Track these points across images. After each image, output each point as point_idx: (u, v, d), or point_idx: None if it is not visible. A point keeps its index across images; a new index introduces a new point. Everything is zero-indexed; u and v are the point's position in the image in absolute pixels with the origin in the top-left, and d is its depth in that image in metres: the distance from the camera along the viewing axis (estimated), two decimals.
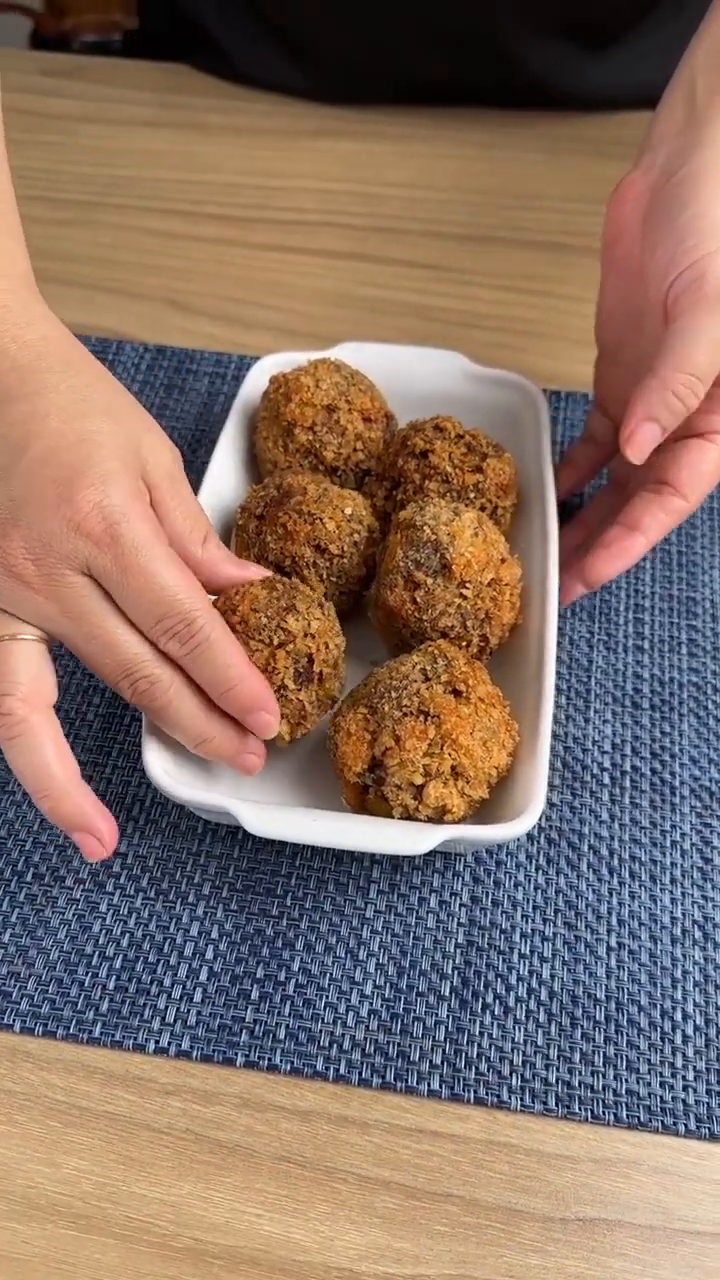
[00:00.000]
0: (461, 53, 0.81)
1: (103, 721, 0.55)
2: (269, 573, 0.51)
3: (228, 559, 0.49)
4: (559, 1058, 0.46)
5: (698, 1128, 0.44)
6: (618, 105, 0.84)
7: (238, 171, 0.84)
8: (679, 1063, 0.46)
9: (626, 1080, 0.45)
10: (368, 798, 0.49)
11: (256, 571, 0.50)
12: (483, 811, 0.49)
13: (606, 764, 0.54)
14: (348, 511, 0.55)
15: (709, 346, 0.48)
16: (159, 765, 0.48)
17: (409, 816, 0.48)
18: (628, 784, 0.54)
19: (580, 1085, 0.45)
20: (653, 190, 0.53)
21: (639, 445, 0.50)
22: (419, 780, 0.47)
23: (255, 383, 0.63)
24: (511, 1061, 0.46)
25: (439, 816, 0.47)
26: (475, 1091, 0.45)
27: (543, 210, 0.81)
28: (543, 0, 0.76)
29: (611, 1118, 0.45)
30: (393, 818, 0.48)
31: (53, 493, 0.43)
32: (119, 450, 0.44)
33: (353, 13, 0.80)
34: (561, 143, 0.85)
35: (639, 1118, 0.45)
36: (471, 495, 0.57)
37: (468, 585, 0.51)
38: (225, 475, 0.59)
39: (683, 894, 0.50)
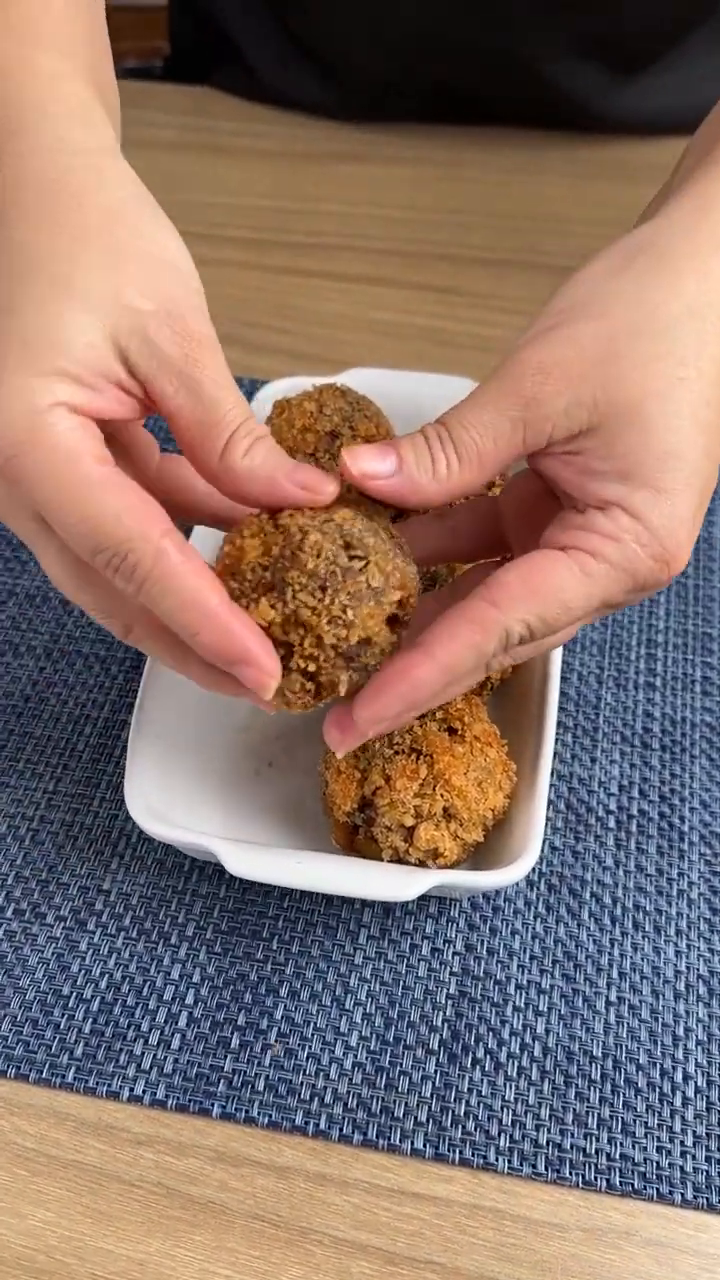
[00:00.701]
0: (491, 72, 0.80)
1: (92, 752, 0.54)
2: (323, 488, 0.38)
3: (254, 473, 0.37)
4: (550, 1118, 0.44)
5: (695, 1197, 0.42)
6: (647, 130, 0.83)
7: (259, 194, 0.83)
8: (677, 1126, 0.43)
9: (621, 1144, 0.43)
10: (357, 838, 0.47)
11: (298, 489, 0.38)
12: (478, 855, 0.47)
13: (613, 806, 0.52)
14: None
15: (474, 410, 0.38)
16: (140, 802, 0.46)
17: (399, 859, 0.46)
18: (634, 828, 0.51)
19: (572, 1148, 0.43)
20: None
21: (355, 454, 0.38)
22: (409, 822, 0.45)
23: (261, 408, 0.61)
24: (500, 1120, 0.44)
25: (430, 859, 0.46)
26: (461, 1151, 0.43)
27: (565, 235, 0.80)
28: (573, 22, 0.75)
29: (604, 1184, 0.42)
30: (382, 859, 0.46)
31: None
32: (49, 351, 0.35)
33: (382, 32, 0.79)
34: (586, 166, 0.84)
35: (633, 1185, 0.42)
36: None
37: None
38: None
39: (688, 946, 0.48)
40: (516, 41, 0.77)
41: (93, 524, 0.35)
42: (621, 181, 0.83)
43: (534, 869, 0.49)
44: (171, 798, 0.48)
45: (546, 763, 0.47)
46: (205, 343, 0.37)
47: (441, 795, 0.45)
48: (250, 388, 0.69)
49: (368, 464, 0.38)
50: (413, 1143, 0.43)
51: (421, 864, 0.46)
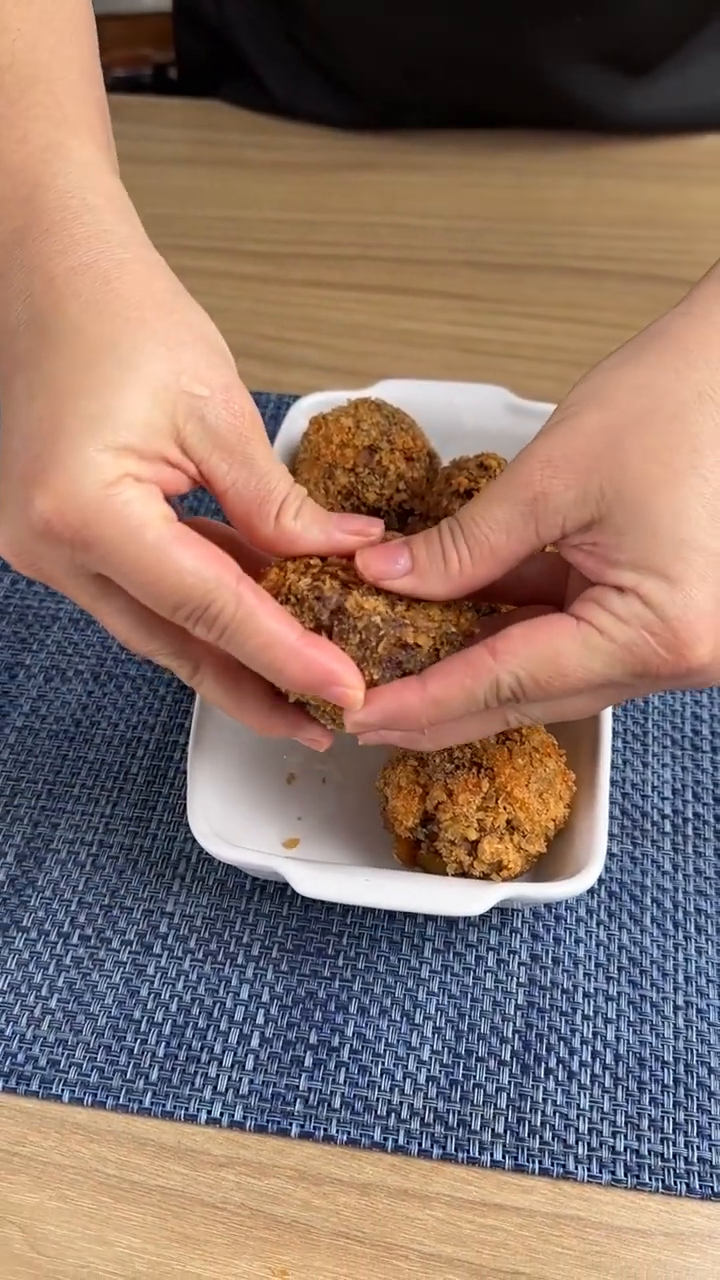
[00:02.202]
0: (502, 82, 0.80)
1: (146, 775, 0.54)
2: (371, 530, 0.42)
3: (304, 534, 0.40)
4: (626, 1124, 0.44)
5: None
6: (658, 130, 0.83)
7: (274, 206, 0.83)
8: None
9: (698, 1147, 0.43)
10: (420, 853, 0.48)
11: (350, 537, 0.41)
12: (540, 866, 0.47)
13: (667, 810, 0.52)
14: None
15: (485, 506, 0.40)
16: (204, 824, 0.46)
17: (463, 873, 0.46)
18: (690, 831, 0.52)
19: (649, 1153, 0.43)
20: None
21: (365, 555, 0.41)
22: (473, 835, 0.45)
23: (294, 423, 0.62)
24: (577, 1129, 0.44)
25: (494, 872, 0.46)
26: (540, 1161, 0.43)
27: (580, 236, 0.80)
28: (582, 28, 0.75)
29: (684, 1188, 0.43)
30: (446, 874, 0.46)
31: (21, 494, 0.37)
32: (116, 428, 0.37)
33: (394, 46, 0.80)
34: (597, 166, 0.84)
35: (713, 1188, 0.43)
36: None
37: None
38: None
39: None
40: (527, 51, 0.77)
41: (173, 582, 0.37)
42: (633, 180, 0.83)
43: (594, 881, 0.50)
44: (231, 819, 0.49)
45: (605, 771, 0.47)
46: (255, 422, 0.39)
47: (504, 808, 0.45)
48: (279, 403, 0.70)
49: (379, 567, 0.40)
50: (492, 1154, 0.43)
51: (486, 877, 0.46)
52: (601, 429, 0.38)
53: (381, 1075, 0.45)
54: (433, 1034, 0.46)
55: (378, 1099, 0.45)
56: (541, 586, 0.45)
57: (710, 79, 0.79)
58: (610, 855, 0.51)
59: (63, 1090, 0.45)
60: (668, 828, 0.52)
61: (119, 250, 0.39)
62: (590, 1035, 0.46)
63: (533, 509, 0.38)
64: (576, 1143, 0.44)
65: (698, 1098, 0.44)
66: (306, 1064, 0.46)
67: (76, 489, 0.36)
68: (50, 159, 0.41)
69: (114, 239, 0.40)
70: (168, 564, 0.37)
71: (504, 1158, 0.43)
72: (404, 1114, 0.44)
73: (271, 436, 0.67)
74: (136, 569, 0.37)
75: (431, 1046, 0.46)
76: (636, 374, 0.39)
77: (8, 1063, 0.46)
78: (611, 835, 0.51)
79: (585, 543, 0.39)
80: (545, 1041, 0.46)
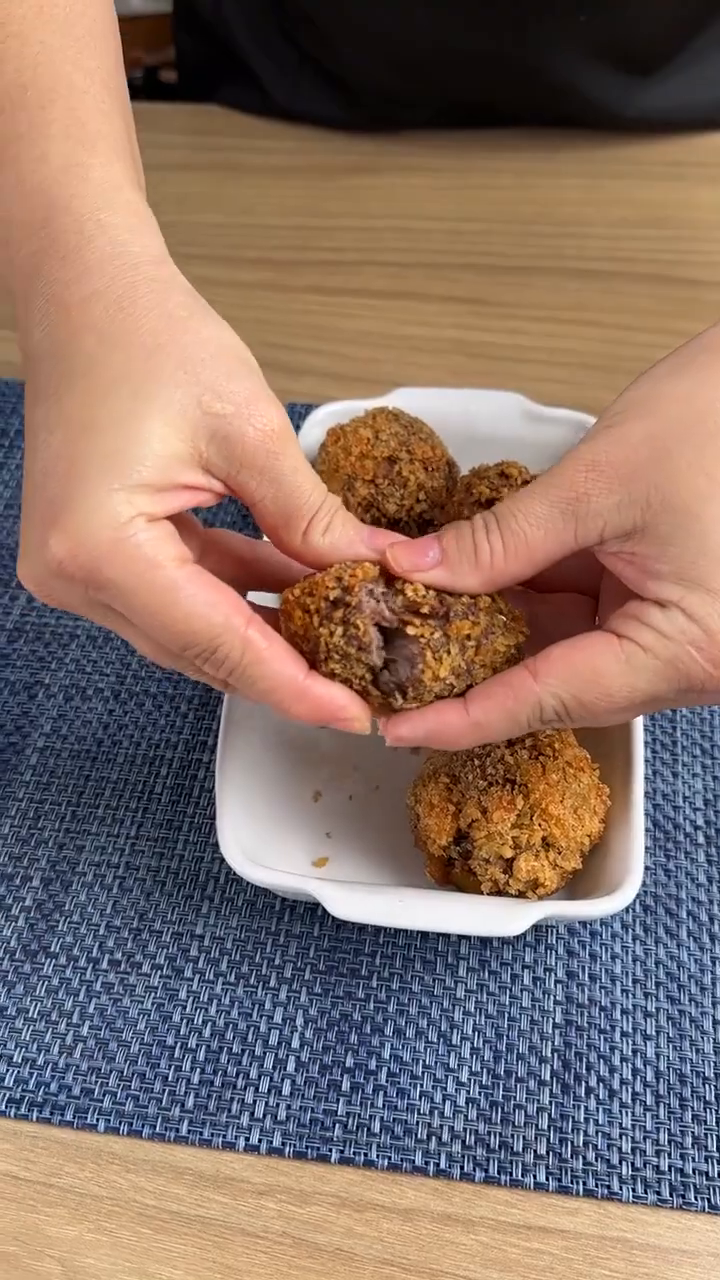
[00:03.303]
0: (506, 82, 0.79)
1: (171, 794, 0.54)
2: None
3: (331, 551, 0.40)
4: (670, 1143, 0.44)
5: None
6: (665, 129, 0.82)
7: (274, 212, 0.82)
8: None
9: None
10: (453, 871, 0.47)
11: (376, 555, 0.40)
12: (575, 882, 0.47)
13: (700, 821, 0.52)
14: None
15: (524, 500, 0.39)
16: (236, 847, 0.46)
17: (498, 891, 0.46)
18: None
19: (694, 1172, 0.43)
20: None
21: (395, 549, 0.40)
22: (508, 853, 0.45)
23: (310, 434, 0.61)
24: (620, 1149, 0.44)
25: (530, 890, 0.45)
26: (584, 1183, 0.43)
27: (585, 237, 0.79)
28: (587, 28, 0.74)
29: None
30: (481, 892, 0.46)
31: (39, 535, 0.37)
32: (130, 467, 0.37)
33: (396, 46, 0.79)
34: (601, 166, 0.83)
35: None
36: None
37: None
38: None
39: None
40: (530, 50, 0.76)
41: (180, 625, 0.37)
42: (638, 180, 0.82)
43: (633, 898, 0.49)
44: (260, 839, 0.48)
45: (639, 785, 0.47)
46: (282, 433, 0.38)
47: (539, 825, 0.45)
48: (290, 412, 0.69)
49: (409, 561, 0.40)
50: (535, 1176, 0.43)
51: (521, 895, 0.46)
52: (647, 439, 0.37)
53: (420, 1098, 0.45)
54: (471, 1055, 0.46)
55: (417, 1122, 0.44)
56: (575, 576, 0.45)
57: (716, 77, 0.79)
58: (644, 869, 0.50)
59: (98, 1120, 0.45)
60: (700, 839, 0.51)
61: (130, 272, 0.39)
62: (630, 1052, 0.46)
63: (573, 509, 0.38)
64: (620, 1163, 0.43)
65: None
66: (344, 1088, 0.45)
67: (88, 532, 0.36)
68: (67, 180, 0.40)
69: (127, 260, 0.39)
70: (176, 609, 0.37)
71: (547, 1179, 0.43)
72: (445, 1137, 0.44)
73: None
74: (145, 611, 0.37)
75: (470, 1068, 0.45)
76: (682, 386, 0.38)
77: (41, 1092, 0.45)
78: (644, 848, 0.51)
79: (625, 551, 0.38)
80: (585, 1060, 0.46)
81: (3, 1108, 0.45)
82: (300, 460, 0.39)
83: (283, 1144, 0.44)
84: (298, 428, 0.67)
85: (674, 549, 0.37)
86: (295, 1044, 0.46)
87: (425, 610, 0.39)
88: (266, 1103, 0.45)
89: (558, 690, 0.38)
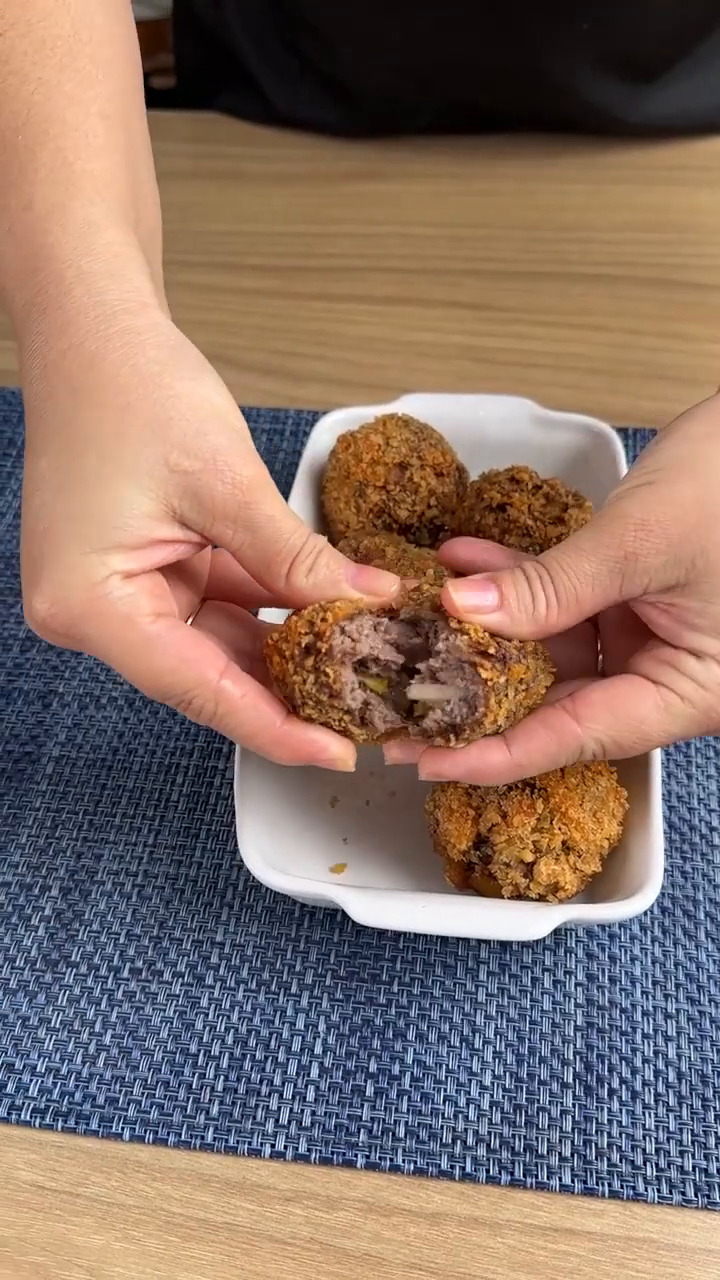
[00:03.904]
0: (509, 89, 0.80)
1: (187, 801, 0.54)
2: (384, 589, 0.41)
3: (320, 589, 0.40)
4: (694, 1143, 0.44)
5: None
6: (668, 134, 0.83)
7: (278, 219, 0.83)
8: None
9: None
10: (473, 876, 0.47)
11: (361, 594, 0.40)
12: (595, 885, 0.47)
13: (715, 823, 0.52)
14: (430, 573, 0.53)
15: (574, 557, 0.40)
16: (256, 854, 0.46)
17: (519, 895, 0.46)
18: None
19: (718, 1171, 0.43)
20: None
21: (459, 588, 0.40)
22: (529, 857, 0.45)
23: (319, 440, 0.61)
24: (644, 1150, 0.44)
25: (551, 894, 0.46)
26: (609, 1184, 0.43)
27: (590, 242, 0.80)
28: (587, 35, 0.75)
29: None
30: (501, 896, 0.46)
31: (26, 592, 0.39)
32: (102, 528, 0.38)
33: (397, 53, 0.79)
34: (603, 171, 0.84)
35: None
36: None
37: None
38: None
39: None
40: (533, 56, 0.77)
41: (155, 679, 0.39)
42: (640, 185, 0.83)
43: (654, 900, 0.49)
44: (278, 846, 0.48)
45: (657, 787, 0.47)
46: (255, 483, 0.39)
47: (560, 829, 0.45)
48: (297, 419, 0.69)
49: (470, 599, 0.40)
50: (560, 1179, 0.43)
51: (542, 898, 0.46)
52: (696, 504, 0.39)
53: (444, 1102, 0.45)
54: (493, 1058, 0.46)
55: (442, 1126, 0.44)
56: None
57: (717, 83, 0.79)
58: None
59: (123, 1128, 0.45)
60: (716, 840, 0.51)
61: (105, 325, 0.39)
62: (651, 1054, 0.46)
63: (621, 567, 0.39)
64: (644, 1164, 0.43)
65: None
66: (368, 1093, 0.45)
67: (65, 592, 0.38)
68: (50, 226, 0.41)
69: (103, 311, 0.39)
70: (150, 664, 0.38)
71: (573, 1181, 0.43)
72: (469, 1141, 0.44)
73: (294, 454, 0.67)
74: (122, 665, 0.39)
75: (493, 1071, 0.46)
76: None
77: (65, 1102, 0.45)
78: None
79: (663, 602, 0.40)
80: (607, 1062, 0.46)
81: (28, 1117, 0.45)
82: (277, 507, 0.39)
83: (308, 1150, 0.44)
84: (305, 434, 0.68)
85: (715, 607, 0.39)
86: (318, 1050, 0.46)
87: (492, 651, 0.39)
88: (291, 1109, 0.45)
89: (600, 735, 0.40)
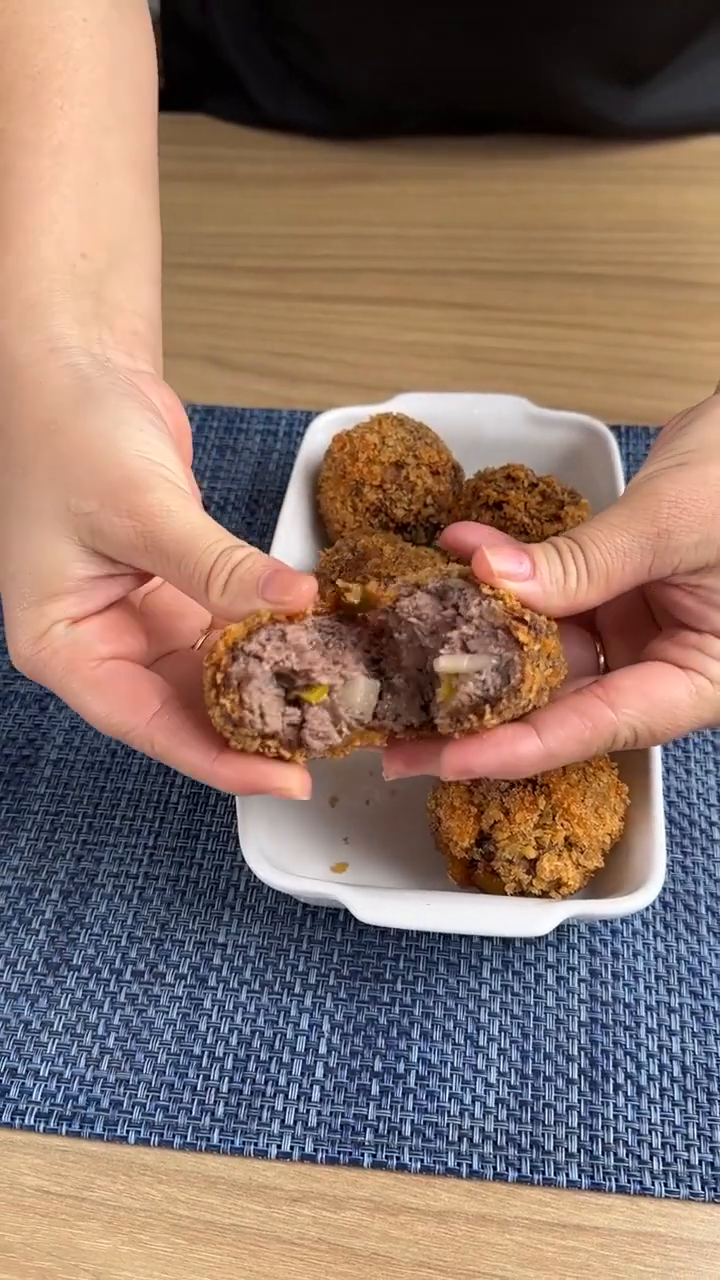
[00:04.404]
0: (500, 92, 0.80)
1: (188, 803, 0.54)
2: (292, 596, 0.38)
3: (233, 606, 0.38)
4: (699, 1137, 0.44)
5: None
6: (655, 134, 0.83)
7: (269, 221, 0.83)
8: None
9: None
10: (475, 873, 0.47)
11: (270, 605, 0.38)
12: (597, 880, 0.47)
13: (714, 817, 0.52)
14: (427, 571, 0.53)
15: (606, 532, 0.39)
16: (259, 854, 0.46)
17: (522, 891, 0.46)
18: None
19: None
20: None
21: (493, 551, 0.38)
22: (532, 854, 0.45)
23: (314, 439, 0.61)
24: (650, 1144, 0.44)
25: (554, 890, 0.45)
26: (616, 1179, 0.43)
27: (582, 242, 0.80)
28: (582, 38, 0.75)
29: None
30: (504, 893, 0.46)
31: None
32: (32, 582, 0.40)
33: (388, 57, 0.79)
34: (593, 170, 0.84)
35: None
36: None
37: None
38: (293, 539, 0.58)
39: None
40: (524, 60, 0.77)
41: (98, 721, 0.40)
42: (631, 184, 0.83)
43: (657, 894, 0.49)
44: (280, 846, 0.48)
45: (658, 782, 0.47)
46: (153, 510, 0.38)
47: (562, 825, 0.45)
48: (291, 419, 0.69)
49: (504, 564, 0.38)
50: (568, 1174, 0.43)
51: (545, 895, 0.46)
52: None
53: (450, 1100, 0.45)
54: (498, 1055, 0.46)
55: (448, 1124, 0.44)
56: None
57: (707, 86, 0.80)
58: None
59: (128, 1131, 0.45)
60: (716, 835, 0.51)
61: (8, 382, 0.41)
62: (656, 1049, 0.46)
63: (653, 544, 0.38)
64: (651, 1158, 0.43)
65: None
66: (373, 1092, 0.45)
67: (17, 648, 0.41)
68: None
69: (10, 368, 0.41)
70: (91, 709, 0.40)
71: (580, 1177, 0.43)
72: (476, 1138, 0.44)
73: (289, 455, 0.67)
74: (75, 708, 0.41)
75: (498, 1068, 0.46)
76: None
77: (69, 1105, 0.45)
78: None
79: (689, 584, 0.40)
80: (611, 1057, 0.46)
81: (32, 1122, 0.45)
82: (183, 529, 0.38)
83: (314, 1150, 0.44)
84: (300, 435, 0.67)
85: None
86: (322, 1049, 0.46)
87: (528, 619, 0.37)
88: (296, 1109, 0.45)
89: (633, 720, 0.39)
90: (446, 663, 0.38)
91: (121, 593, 0.42)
